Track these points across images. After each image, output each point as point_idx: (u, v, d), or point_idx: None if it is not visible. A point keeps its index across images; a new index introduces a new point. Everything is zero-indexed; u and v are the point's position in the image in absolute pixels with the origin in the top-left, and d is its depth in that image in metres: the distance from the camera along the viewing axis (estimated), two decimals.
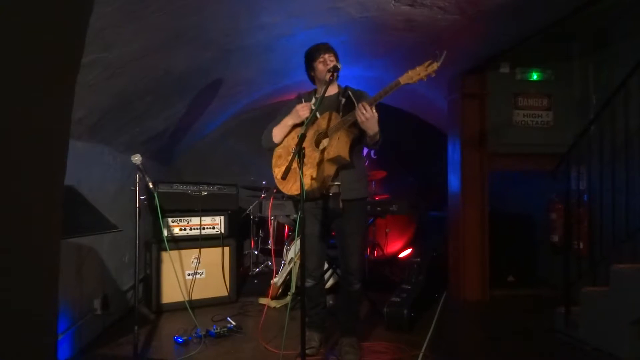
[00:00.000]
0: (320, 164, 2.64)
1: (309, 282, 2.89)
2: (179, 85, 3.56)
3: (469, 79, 4.44)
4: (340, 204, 2.72)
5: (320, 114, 2.77)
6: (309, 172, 2.66)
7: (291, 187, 2.76)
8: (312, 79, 2.91)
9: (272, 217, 5.09)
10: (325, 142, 2.70)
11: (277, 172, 2.83)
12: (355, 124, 2.58)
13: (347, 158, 2.65)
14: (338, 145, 2.62)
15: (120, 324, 3.47)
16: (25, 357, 1.44)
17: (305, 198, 2.69)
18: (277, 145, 2.88)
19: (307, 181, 2.64)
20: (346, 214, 2.75)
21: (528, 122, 4.51)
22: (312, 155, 2.68)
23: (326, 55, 2.75)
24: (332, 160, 2.63)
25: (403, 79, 2.46)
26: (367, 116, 2.48)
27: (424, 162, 6.33)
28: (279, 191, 2.99)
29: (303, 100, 2.87)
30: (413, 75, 2.44)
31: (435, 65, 2.39)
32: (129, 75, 2.81)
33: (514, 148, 4.46)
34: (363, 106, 2.48)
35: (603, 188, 3.43)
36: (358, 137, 2.70)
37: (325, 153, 2.64)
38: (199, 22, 2.79)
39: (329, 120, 2.70)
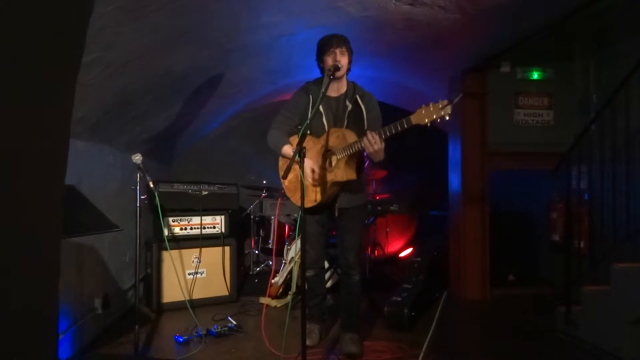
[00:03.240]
0: (328, 183, 2.65)
1: (310, 272, 2.91)
2: (179, 84, 3.56)
3: (469, 78, 4.44)
4: (336, 212, 2.78)
5: (328, 119, 2.75)
6: (319, 190, 2.66)
7: (299, 198, 2.73)
8: (322, 70, 2.83)
9: (272, 217, 5.11)
10: (333, 160, 2.68)
11: (286, 179, 2.77)
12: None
13: (355, 178, 2.67)
14: (346, 169, 2.61)
15: (120, 323, 3.47)
16: (26, 356, 1.44)
17: (315, 210, 2.76)
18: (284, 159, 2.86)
19: (317, 197, 2.66)
20: (346, 216, 2.80)
21: (529, 121, 4.51)
22: (323, 175, 2.66)
23: (337, 50, 2.66)
24: (339, 183, 2.65)
25: (415, 118, 2.32)
26: (376, 148, 2.40)
27: (425, 161, 6.33)
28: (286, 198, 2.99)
29: (310, 95, 2.81)
30: (426, 115, 2.28)
31: (449, 109, 2.24)
32: (129, 74, 2.81)
33: (515, 147, 4.45)
34: (373, 138, 2.39)
35: (604, 187, 3.43)
36: (363, 155, 2.69)
37: (333, 174, 2.63)
38: (199, 21, 2.79)
39: (337, 138, 2.64)
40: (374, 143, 2.39)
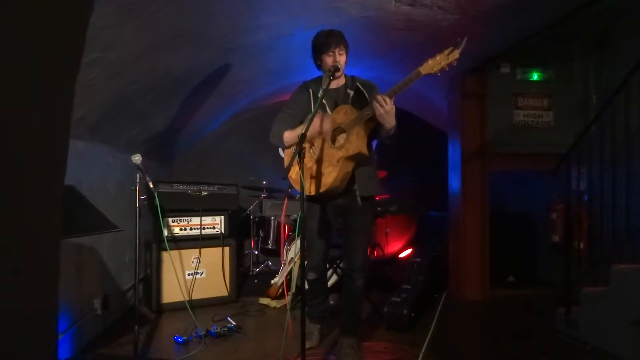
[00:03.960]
0: (340, 161, 2.54)
1: (312, 276, 2.88)
2: (179, 84, 3.56)
3: (469, 79, 4.44)
4: (359, 201, 2.67)
5: (331, 109, 2.70)
6: (330, 171, 2.57)
7: (309, 187, 2.66)
8: (319, 67, 2.80)
9: (272, 217, 5.11)
10: (342, 138, 2.60)
11: (292, 171, 2.71)
12: (372, 118, 2.47)
13: (367, 153, 2.58)
14: (357, 142, 2.52)
15: (120, 324, 3.47)
16: (26, 357, 1.44)
17: (326, 197, 2.68)
18: (289, 148, 2.80)
19: (328, 180, 2.56)
20: (357, 211, 2.71)
21: (528, 122, 4.51)
22: (330, 153, 2.59)
23: (336, 50, 2.64)
24: (352, 157, 2.55)
25: (424, 69, 2.32)
26: (387, 109, 2.37)
27: (425, 162, 6.33)
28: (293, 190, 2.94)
29: (310, 90, 2.79)
30: (434, 65, 2.30)
31: (456, 53, 2.25)
32: (129, 74, 2.81)
33: (514, 148, 4.45)
34: (383, 99, 2.36)
35: (603, 188, 3.43)
36: (374, 130, 2.61)
37: (344, 150, 2.54)
38: (199, 21, 2.79)
39: (344, 114, 2.60)
40: (384, 104, 2.37)
